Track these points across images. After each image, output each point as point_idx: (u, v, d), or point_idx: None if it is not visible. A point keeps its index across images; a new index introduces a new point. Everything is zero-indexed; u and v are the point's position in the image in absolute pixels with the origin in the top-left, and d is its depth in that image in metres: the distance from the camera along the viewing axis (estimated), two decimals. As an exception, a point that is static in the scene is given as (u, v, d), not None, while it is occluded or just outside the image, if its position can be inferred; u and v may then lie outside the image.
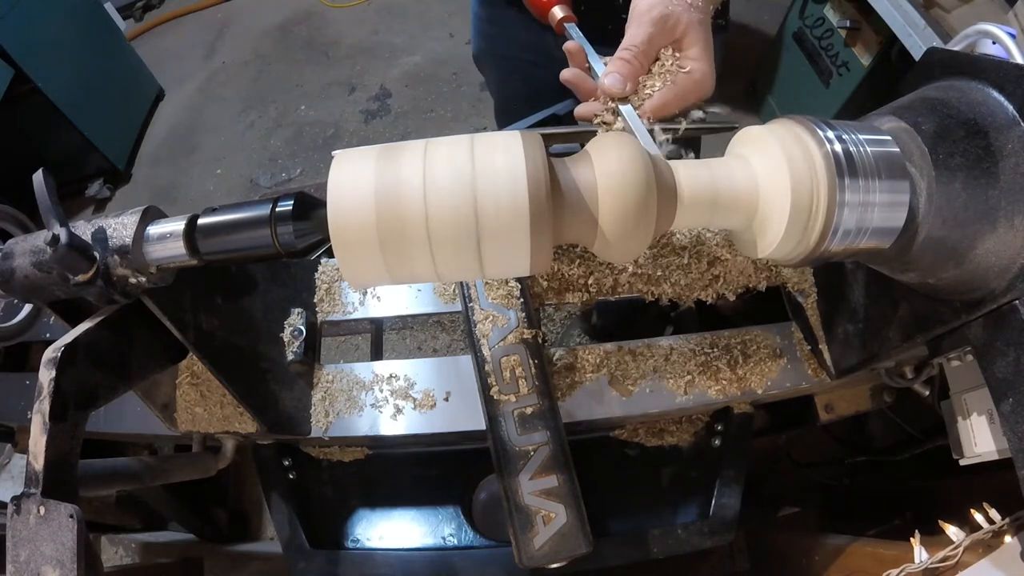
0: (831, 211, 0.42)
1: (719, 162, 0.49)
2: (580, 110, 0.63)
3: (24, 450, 0.88)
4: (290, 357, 0.74)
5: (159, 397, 0.68)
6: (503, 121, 1.39)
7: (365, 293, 0.83)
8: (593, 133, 0.61)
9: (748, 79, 2.64)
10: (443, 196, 0.40)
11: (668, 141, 0.58)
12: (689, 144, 0.63)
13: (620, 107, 0.59)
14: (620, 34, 0.62)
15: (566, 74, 0.63)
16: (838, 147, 0.43)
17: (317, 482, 0.86)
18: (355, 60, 3.13)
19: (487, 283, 0.75)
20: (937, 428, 0.83)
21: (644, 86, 0.60)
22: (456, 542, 0.85)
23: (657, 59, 0.62)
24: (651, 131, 0.58)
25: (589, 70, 0.64)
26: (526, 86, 1.28)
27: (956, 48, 0.55)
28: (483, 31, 1.21)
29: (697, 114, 0.63)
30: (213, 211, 0.47)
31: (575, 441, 0.68)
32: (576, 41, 0.65)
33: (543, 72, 1.27)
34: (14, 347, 0.88)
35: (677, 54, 0.62)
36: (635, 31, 0.59)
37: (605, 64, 0.61)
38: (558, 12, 0.68)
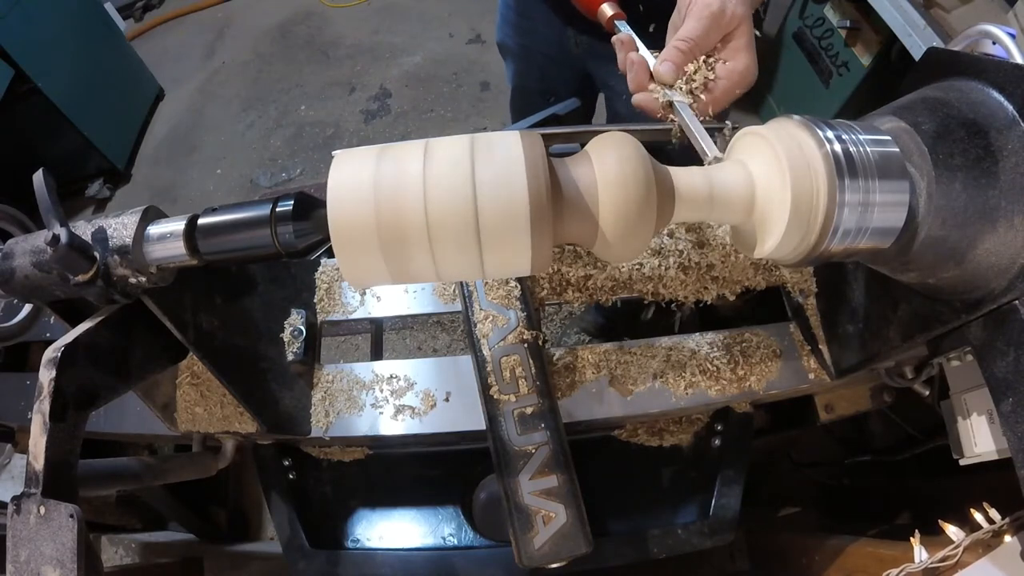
0: (831, 211, 0.42)
1: (717, 166, 0.49)
2: (639, 99, 0.64)
3: (24, 450, 0.88)
4: (290, 357, 0.74)
5: (159, 397, 0.68)
6: (516, 112, 1.41)
7: (365, 293, 0.83)
8: (594, 133, 0.61)
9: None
10: (443, 196, 0.40)
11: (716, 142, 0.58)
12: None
13: (676, 105, 0.59)
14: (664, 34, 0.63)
15: (634, 56, 0.64)
16: (838, 147, 0.43)
17: (317, 482, 0.86)
18: (355, 60, 3.13)
19: (487, 283, 0.75)
20: (937, 428, 0.83)
21: (693, 79, 0.61)
22: (456, 542, 0.85)
23: (709, 53, 0.63)
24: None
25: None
26: (541, 80, 1.29)
27: (956, 48, 0.54)
28: (509, 19, 1.23)
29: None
30: (213, 211, 0.47)
31: (575, 441, 0.68)
32: (627, 33, 0.66)
33: (559, 69, 1.28)
34: (14, 347, 0.88)
35: (719, 48, 0.63)
36: (693, 24, 0.61)
37: (655, 56, 0.63)
38: (608, 10, 0.69)
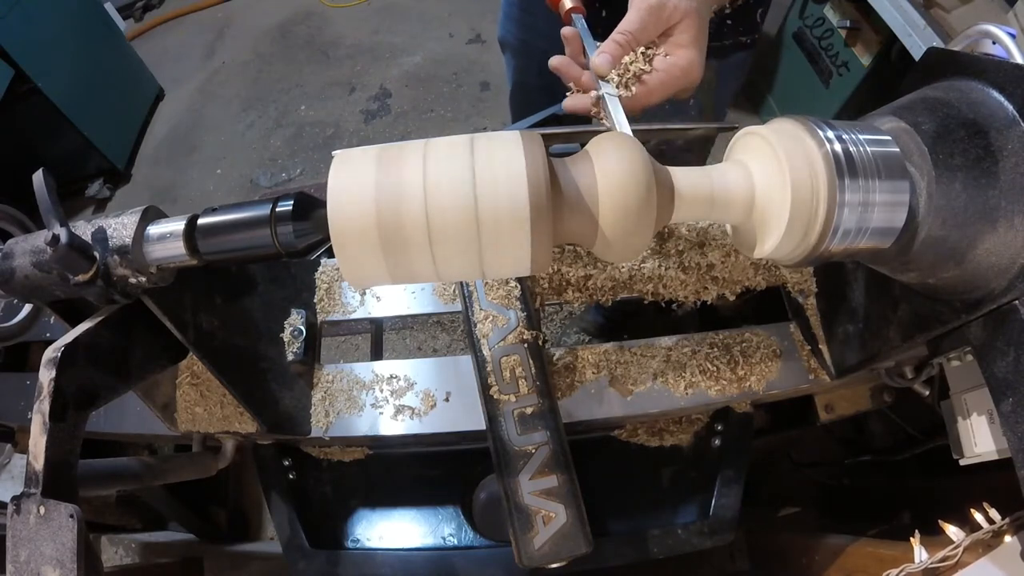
0: (831, 211, 0.42)
1: (717, 167, 0.49)
2: (568, 103, 0.64)
3: (24, 450, 0.88)
4: (290, 357, 0.74)
5: (159, 397, 0.68)
6: (515, 108, 1.41)
7: (365, 293, 0.83)
8: (594, 133, 0.61)
9: (748, 79, 2.64)
10: (443, 196, 0.40)
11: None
12: (691, 147, 0.63)
13: (606, 99, 0.59)
14: None
15: (554, 61, 0.64)
16: (838, 147, 0.43)
17: (317, 482, 0.86)
18: (355, 60, 3.13)
19: (487, 283, 0.75)
20: (937, 428, 0.82)
21: (627, 70, 0.61)
22: (456, 542, 0.85)
23: (649, 46, 0.62)
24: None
25: (585, 57, 0.64)
26: (541, 76, 1.29)
27: (956, 48, 0.54)
28: (512, 15, 1.24)
29: None
30: (213, 211, 0.47)
31: (575, 441, 0.68)
32: (575, 28, 0.65)
33: None
34: (14, 347, 0.88)
35: (660, 41, 0.62)
36: (632, 16, 0.60)
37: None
38: (567, 2, 0.69)
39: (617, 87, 0.60)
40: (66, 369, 0.47)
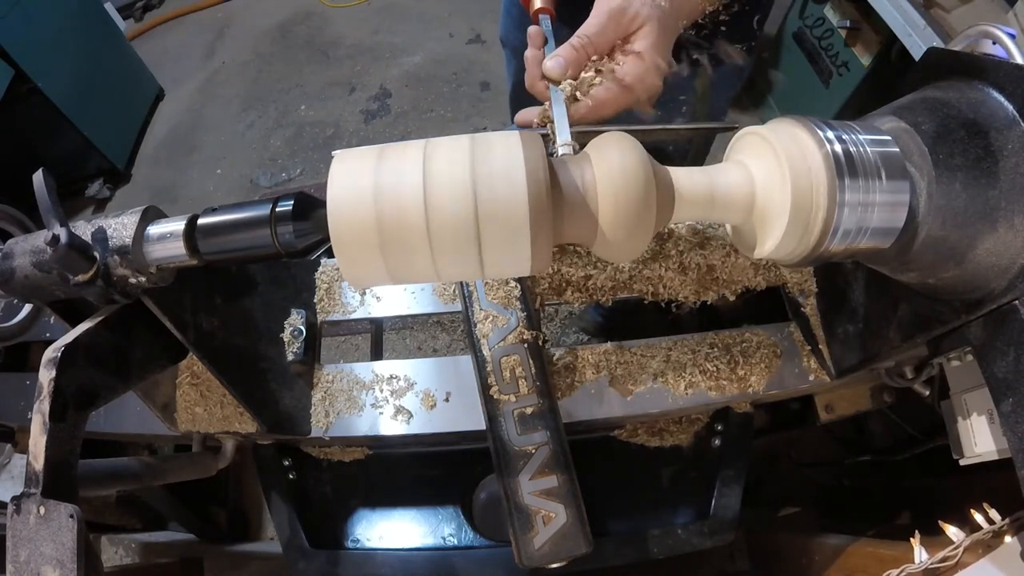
0: (831, 211, 0.42)
1: (717, 167, 0.49)
2: (519, 117, 0.63)
3: (24, 450, 0.88)
4: (290, 357, 0.74)
5: (159, 397, 0.68)
6: (514, 107, 1.41)
7: (365, 293, 0.83)
8: (594, 133, 0.61)
9: (748, 79, 2.64)
10: (443, 196, 0.40)
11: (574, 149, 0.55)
12: (686, 147, 0.62)
13: (552, 97, 0.58)
14: None
15: (528, 54, 0.63)
16: (838, 147, 0.43)
17: (317, 482, 0.86)
18: (355, 60, 3.13)
19: (487, 283, 0.75)
20: (937, 428, 0.83)
21: (582, 79, 0.59)
22: (456, 542, 0.85)
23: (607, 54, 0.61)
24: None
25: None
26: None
27: (956, 48, 0.54)
28: (512, 14, 1.24)
29: None
30: (213, 211, 0.47)
31: (575, 441, 0.68)
32: (540, 28, 0.65)
33: None
34: (14, 347, 0.88)
35: (618, 47, 0.61)
36: (591, 20, 0.59)
37: None
38: (536, 1, 0.68)
39: (566, 100, 0.58)
40: (66, 369, 0.47)
